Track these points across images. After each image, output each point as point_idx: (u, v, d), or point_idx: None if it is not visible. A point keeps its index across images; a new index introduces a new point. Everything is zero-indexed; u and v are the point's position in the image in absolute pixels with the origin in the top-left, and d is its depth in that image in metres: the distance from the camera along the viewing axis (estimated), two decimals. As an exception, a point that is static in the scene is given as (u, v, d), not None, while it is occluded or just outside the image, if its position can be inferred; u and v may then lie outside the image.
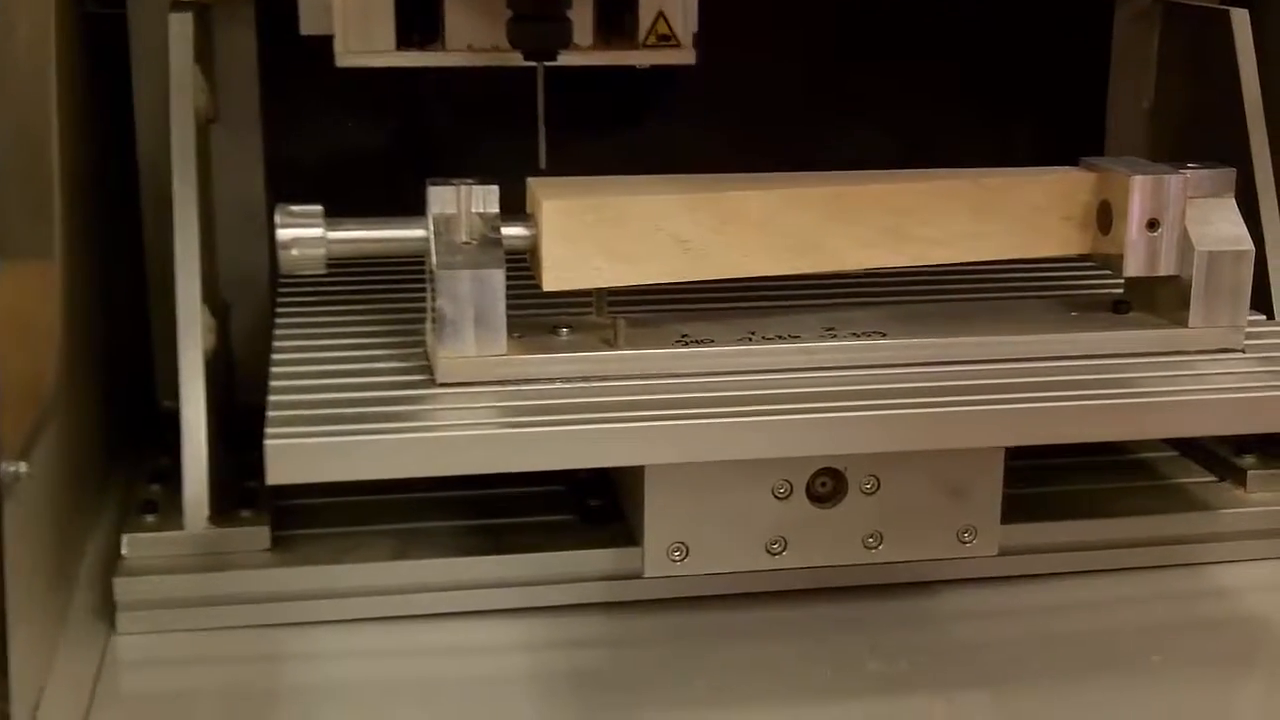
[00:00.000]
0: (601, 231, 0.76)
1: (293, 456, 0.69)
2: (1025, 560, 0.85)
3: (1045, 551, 0.86)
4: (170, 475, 0.85)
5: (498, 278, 0.74)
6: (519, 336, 0.77)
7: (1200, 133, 1.02)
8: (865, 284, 0.90)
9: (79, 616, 0.77)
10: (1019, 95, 1.12)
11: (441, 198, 0.75)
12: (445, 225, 0.75)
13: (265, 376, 0.77)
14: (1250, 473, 0.91)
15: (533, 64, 0.83)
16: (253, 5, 0.95)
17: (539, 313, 0.80)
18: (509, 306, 0.75)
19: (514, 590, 0.81)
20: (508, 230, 0.76)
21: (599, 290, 0.79)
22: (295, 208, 0.74)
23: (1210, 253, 0.82)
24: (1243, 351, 0.83)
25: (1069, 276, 0.95)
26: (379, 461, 0.70)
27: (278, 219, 0.74)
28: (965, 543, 0.80)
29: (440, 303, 0.74)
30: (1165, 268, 0.82)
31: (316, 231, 0.74)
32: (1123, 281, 0.86)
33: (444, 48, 0.86)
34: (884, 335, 0.80)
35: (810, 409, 0.73)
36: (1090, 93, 1.10)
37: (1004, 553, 0.82)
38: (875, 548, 0.79)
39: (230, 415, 0.87)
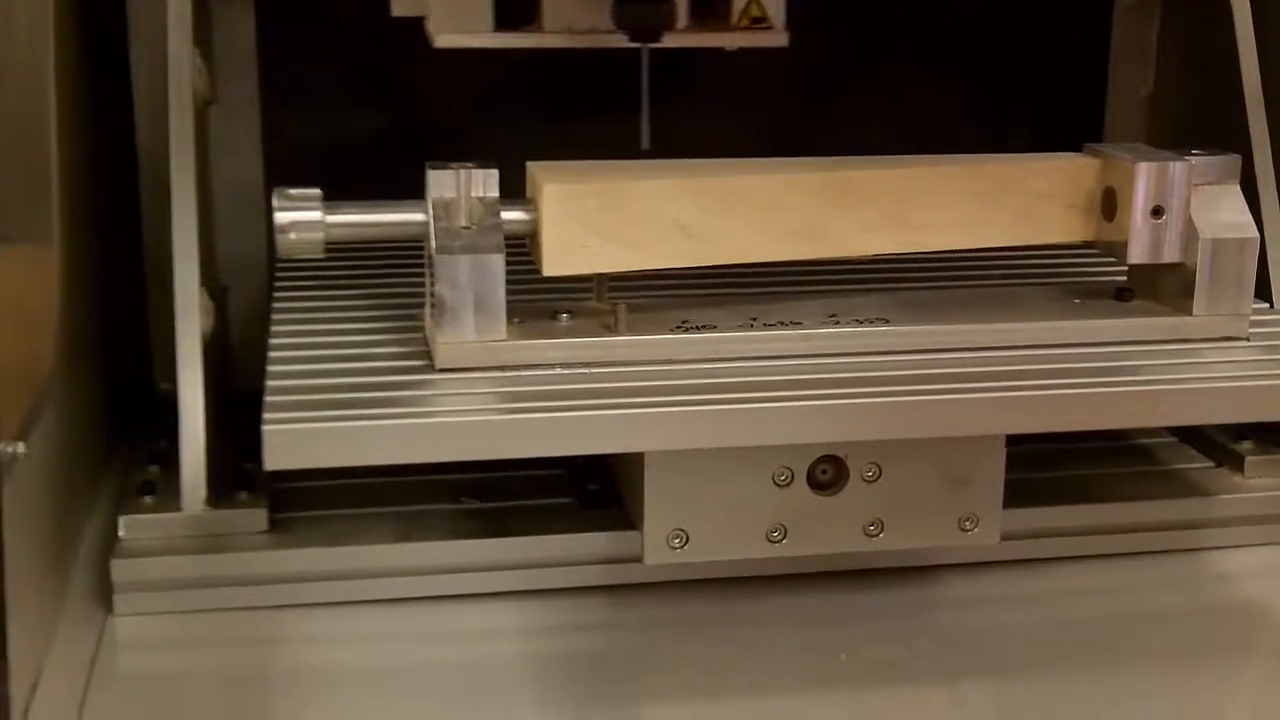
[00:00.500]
0: (602, 216, 0.76)
1: (291, 442, 0.68)
2: (1023, 545, 0.85)
3: (1042, 536, 0.86)
4: (168, 457, 0.85)
5: (497, 262, 0.74)
6: (519, 322, 0.77)
7: (1199, 120, 1.02)
8: (868, 271, 0.90)
9: (76, 598, 0.77)
10: (1018, 81, 1.12)
11: (441, 181, 0.75)
12: (445, 209, 0.75)
13: (263, 360, 0.77)
14: (1248, 458, 0.91)
15: (636, 45, 0.85)
16: (251, -12, 0.95)
17: (539, 298, 0.79)
18: (509, 292, 0.74)
19: (512, 573, 0.81)
20: (508, 214, 0.75)
21: (599, 275, 0.79)
22: (293, 191, 0.74)
23: (1215, 240, 0.81)
24: (1247, 340, 0.82)
25: (1072, 264, 0.95)
26: (378, 447, 0.69)
27: (275, 202, 0.73)
28: (967, 531, 0.80)
29: (439, 288, 0.74)
30: (1170, 255, 0.82)
31: (315, 215, 0.73)
32: (1126, 269, 0.85)
33: (541, 29, 0.87)
34: (886, 322, 0.80)
35: (812, 396, 0.73)
36: (1090, 79, 1.10)
37: (1002, 537, 0.82)
38: (876, 536, 0.79)
39: (228, 398, 0.87)
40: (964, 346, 0.79)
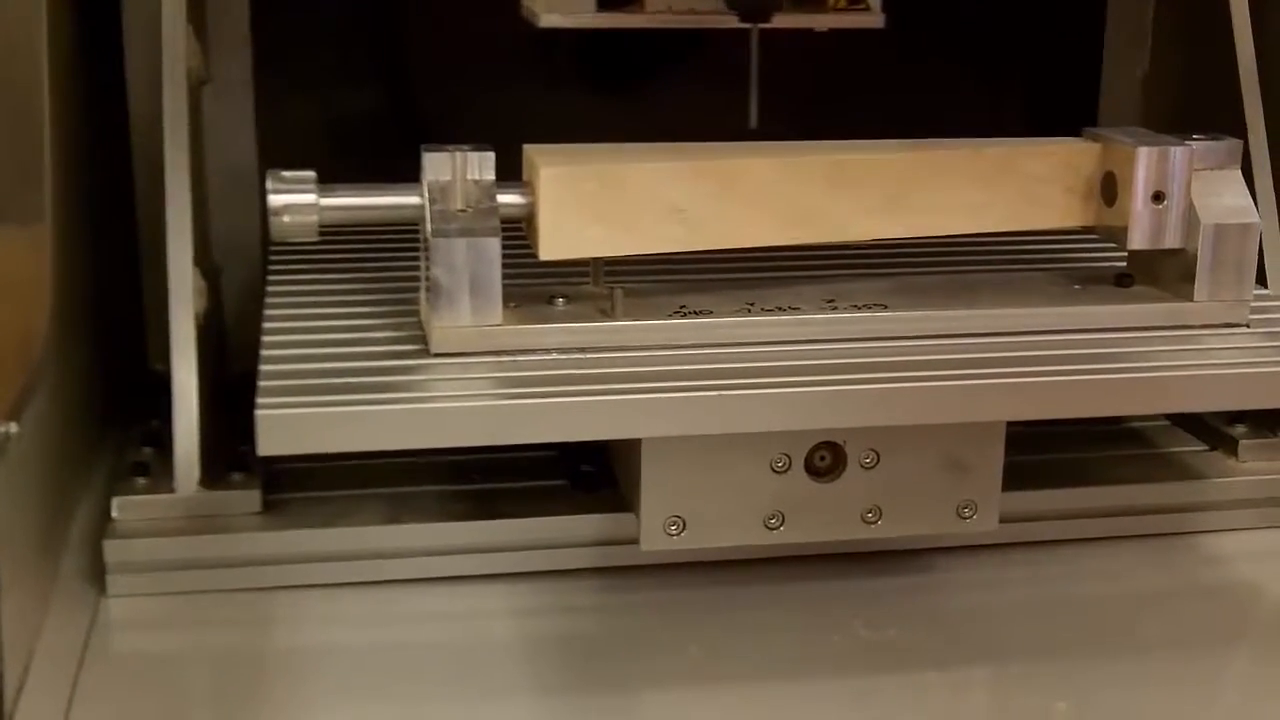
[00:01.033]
0: (599, 200, 0.75)
1: (285, 427, 0.68)
2: (1017, 528, 0.85)
3: (1037, 519, 0.86)
4: (161, 438, 0.85)
5: (493, 246, 0.73)
6: (515, 306, 0.76)
7: (1195, 102, 1.01)
8: (866, 256, 0.89)
9: (69, 579, 0.77)
10: (1012, 62, 1.11)
11: (437, 164, 0.74)
12: (440, 192, 0.74)
13: (257, 342, 0.76)
14: (1242, 442, 0.92)
15: (747, 25, 0.86)
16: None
17: (535, 282, 0.79)
18: (505, 276, 0.74)
19: (505, 555, 0.81)
20: (504, 198, 0.75)
21: (596, 260, 0.79)
22: (287, 174, 0.73)
23: (1216, 225, 0.81)
24: (1247, 326, 0.82)
25: (1071, 249, 0.94)
26: (372, 432, 0.69)
27: (269, 185, 0.73)
28: (965, 518, 0.80)
29: (435, 271, 0.73)
30: (1170, 240, 0.81)
31: (309, 198, 0.73)
32: (1126, 254, 0.85)
33: (643, 9, 0.88)
34: (885, 307, 0.80)
35: (810, 381, 0.72)
36: (1084, 60, 1.09)
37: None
38: (874, 523, 0.79)
39: (222, 378, 0.86)
40: (963, 332, 0.79)
